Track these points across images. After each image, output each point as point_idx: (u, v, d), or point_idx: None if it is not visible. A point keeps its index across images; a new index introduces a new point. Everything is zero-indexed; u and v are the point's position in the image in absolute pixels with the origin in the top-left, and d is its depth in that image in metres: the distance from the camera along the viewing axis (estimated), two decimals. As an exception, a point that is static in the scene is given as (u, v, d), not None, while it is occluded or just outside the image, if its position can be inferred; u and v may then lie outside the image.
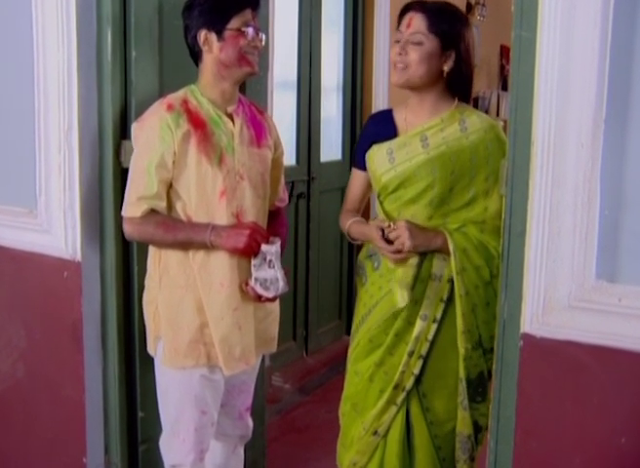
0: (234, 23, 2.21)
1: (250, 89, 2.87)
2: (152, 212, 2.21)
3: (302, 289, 4.50)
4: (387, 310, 2.32)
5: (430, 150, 2.28)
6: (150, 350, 2.37)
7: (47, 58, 2.50)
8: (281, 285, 2.25)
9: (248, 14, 2.23)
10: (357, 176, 2.50)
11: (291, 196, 4.30)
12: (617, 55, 1.68)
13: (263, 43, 2.29)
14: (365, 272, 2.43)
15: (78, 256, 2.53)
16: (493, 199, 2.29)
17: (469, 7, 6.16)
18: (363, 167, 2.44)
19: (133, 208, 2.21)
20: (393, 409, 2.36)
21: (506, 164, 1.88)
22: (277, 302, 2.44)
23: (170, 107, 2.21)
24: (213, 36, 2.22)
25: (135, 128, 2.27)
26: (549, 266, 1.77)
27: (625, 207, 1.72)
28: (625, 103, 1.69)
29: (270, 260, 2.22)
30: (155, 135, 2.18)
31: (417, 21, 2.23)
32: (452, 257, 2.23)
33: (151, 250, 2.32)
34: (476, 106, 6.11)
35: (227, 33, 2.21)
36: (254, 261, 2.23)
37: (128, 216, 2.23)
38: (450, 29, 2.25)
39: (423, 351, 2.30)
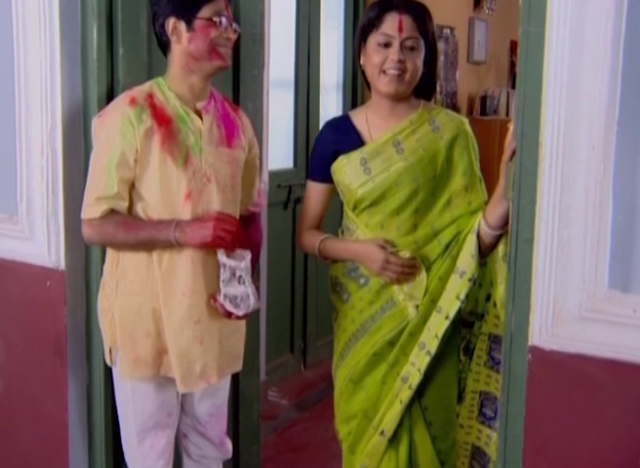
0: (205, 12, 2.18)
1: (244, 88, 2.89)
2: (112, 212, 2.18)
3: (300, 299, 4.52)
4: (398, 323, 2.31)
5: (407, 156, 2.29)
6: (108, 360, 2.35)
7: (28, 54, 2.49)
8: (252, 302, 2.21)
9: (221, 2, 2.20)
10: (316, 191, 2.44)
11: (288, 201, 4.32)
12: (631, 51, 1.67)
13: (237, 34, 2.26)
14: (346, 289, 2.40)
15: (62, 265, 2.52)
16: (475, 192, 2.33)
17: (477, 0, 6.18)
18: (322, 179, 2.40)
19: (92, 209, 2.19)
20: (397, 405, 2.32)
21: (513, 167, 1.87)
22: None
23: (133, 101, 2.18)
24: (182, 25, 2.19)
25: (95, 123, 2.24)
26: (559, 275, 1.76)
27: (640, 212, 1.71)
28: None
29: (240, 276, 2.18)
30: (116, 131, 2.15)
31: (408, 23, 2.23)
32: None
33: (109, 253, 2.30)
34: (484, 106, 6.11)
35: (198, 23, 2.18)
36: (222, 277, 2.19)
37: (87, 218, 2.20)
38: (432, 29, 2.30)
39: (431, 348, 2.28)
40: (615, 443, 1.78)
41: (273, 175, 4.08)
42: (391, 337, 2.32)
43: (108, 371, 2.51)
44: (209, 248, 2.19)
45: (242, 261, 2.18)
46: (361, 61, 2.33)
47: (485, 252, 2.25)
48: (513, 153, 1.91)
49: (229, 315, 2.23)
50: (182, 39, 2.20)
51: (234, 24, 2.24)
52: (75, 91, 2.47)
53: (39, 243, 2.54)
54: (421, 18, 2.26)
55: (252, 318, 2.54)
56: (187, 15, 2.18)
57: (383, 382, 2.35)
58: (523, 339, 1.84)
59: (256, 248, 2.47)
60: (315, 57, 4.49)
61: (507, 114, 6.12)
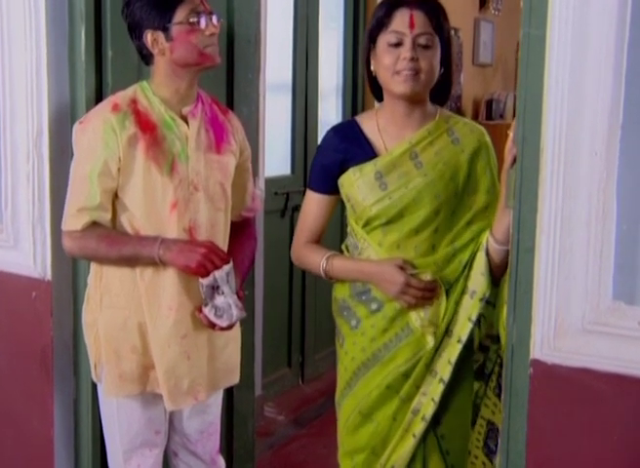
0: (180, 15, 2.16)
1: (238, 92, 2.90)
2: (94, 224, 2.18)
3: (298, 310, 4.52)
4: (415, 353, 2.22)
5: (427, 171, 2.20)
6: (94, 376, 2.35)
7: (13, 57, 2.50)
8: (235, 312, 2.22)
9: None
10: (317, 202, 2.32)
11: (285, 209, 4.33)
12: (635, 53, 1.68)
13: (219, 26, 2.22)
14: (355, 314, 2.29)
15: (48, 275, 2.52)
16: (496, 210, 2.24)
17: (483, 0, 6.18)
18: (325, 190, 2.30)
19: (73, 220, 2.19)
20: (410, 439, 2.24)
21: (514, 174, 1.88)
22: (237, 327, 2.40)
23: (115, 108, 2.18)
24: (160, 36, 2.18)
25: (76, 129, 2.24)
26: (561, 285, 1.76)
27: (645, 220, 1.71)
28: (645, 107, 1.69)
29: (218, 287, 2.18)
30: (98, 138, 2.15)
31: (420, 19, 2.14)
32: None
33: (92, 266, 2.30)
34: (490, 110, 6.13)
35: (175, 29, 2.16)
36: (203, 295, 2.19)
37: (68, 230, 2.21)
38: (447, 26, 2.22)
39: (445, 376, 2.21)
40: (620, 460, 1.77)
41: (270, 182, 4.09)
42: (406, 369, 2.23)
43: (96, 386, 2.51)
44: (188, 273, 2.18)
45: (218, 271, 2.18)
46: (372, 68, 2.23)
47: (497, 271, 2.18)
48: (514, 160, 1.91)
49: (213, 326, 2.23)
50: (165, 50, 2.19)
51: (214, 17, 2.20)
52: (62, 94, 2.48)
53: (24, 252, 2.55)
54: (435, 13, 2.17)
55: (246, 329, 2.55)
56: (162, 23, 2.16)
57: (394, 418, 2.26)
58: (524, 353, 1.84)
59: (249, 255, 2.47)
60: (314, 59, 4.50)
61: (514, 119, 6.13)
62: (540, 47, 1.76)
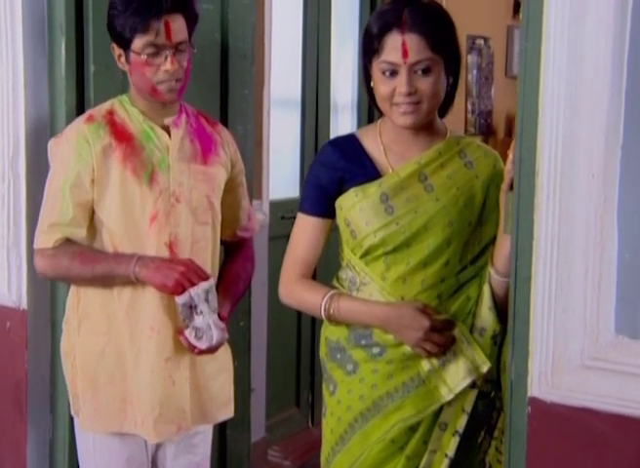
0: (137, 45, 2.18)
1: (233, 109, 2.94)
2: (68, 241, 2.23)
3: (307, 344, 4.51)
4: (427, 406, 2.15)
5: (439, 195, 2.15)
6: (72, 410, 2.38)
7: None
8: (215, 334, 2.24)
9: (155, 29, 2.15)
10: (312, 227, 2.25)
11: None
12: (635, 70, 1.71)
13: (178, 68, 2.20)
14: (350, 357, 2.21)
15: (24, 304, 2.57)
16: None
17: (517, 6, 6.21)
18: (322, 213, 2.23)
19: (44, 237, 2.24)
20: None
21: (512, 198, 1.92)
22: (229, 355, 2.43)
23: (90, 119, 2.26)
24: (123, 54, 2.24)
25: (51, 144, 2.31)
26: (558, 317, 1.78)
27: (649, 248, 1.73)
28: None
29: (195, 306, 2.21)
30: (71, 150, 2.21)
31: (414, 44, 2.06)
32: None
33: (71, 289, 2.34)
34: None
35: (132, 56, 2.21)
36: (179, 308, 2.21)
37: (39, 248, 2.25)
38: (451, 40, 2.15)
39: (459, 427, 2.17)
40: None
41: (276, 205, 4.12)
42: (413, 423, 2.16)
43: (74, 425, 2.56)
44: (165, 292, 2.21)
45: (193, 289, 2.20)
46: (372, 85, 2.18)
47: (504, 306, 2.09)
48: (512, 183, 1.93)
49: (193, 349, 2.25)
50: (126, 68, 2.26)
51: (182, 47, 2.21)
52: (41, 111, 2.55)
53: (-2, 279, 2.59)
54: (432, 32, 2.08)
55: (240, 362, 2.57)
56: (122, 44, 2.22)
57: None
58: (522, 390, 1.86)
59: (244, 278, 2.50)
60: (325, 71, 4.52)
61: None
62: (536, 61, 1.79)
